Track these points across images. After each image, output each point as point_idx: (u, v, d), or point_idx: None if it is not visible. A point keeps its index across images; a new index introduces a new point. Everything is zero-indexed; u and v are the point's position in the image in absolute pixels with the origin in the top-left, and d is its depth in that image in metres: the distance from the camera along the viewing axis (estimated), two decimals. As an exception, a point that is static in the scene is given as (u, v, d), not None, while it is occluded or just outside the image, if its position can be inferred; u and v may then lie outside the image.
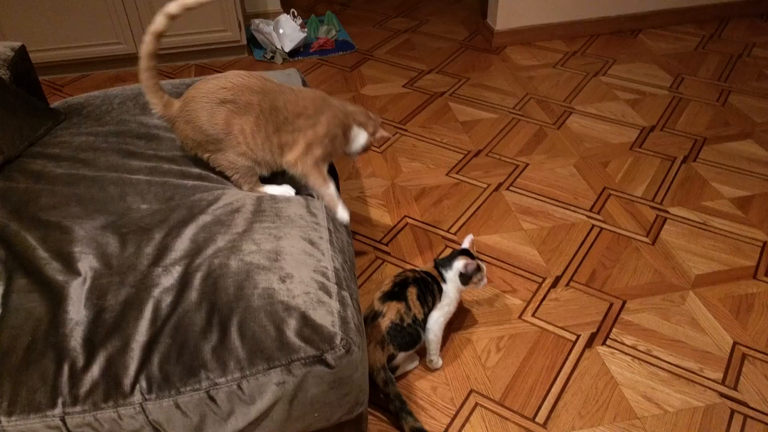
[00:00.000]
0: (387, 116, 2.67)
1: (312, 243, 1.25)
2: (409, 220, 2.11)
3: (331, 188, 1.43)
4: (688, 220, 2.09)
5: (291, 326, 1.07)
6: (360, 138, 1.51)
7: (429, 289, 1.53)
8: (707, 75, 2.97)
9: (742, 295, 1.80)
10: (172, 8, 1.26)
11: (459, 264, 1.55)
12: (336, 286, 1.17)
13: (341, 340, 1.06)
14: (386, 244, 2.01)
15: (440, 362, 1.61)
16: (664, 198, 2.19)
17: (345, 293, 1.18)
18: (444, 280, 1.57)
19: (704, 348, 1.65)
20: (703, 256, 1.94)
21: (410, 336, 1.49)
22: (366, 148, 1.54)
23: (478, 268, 1.57)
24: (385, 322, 1.46)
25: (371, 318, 1.48)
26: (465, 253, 1.59)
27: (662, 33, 3.39)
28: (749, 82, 2.91)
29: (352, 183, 2.28)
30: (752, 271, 1.88)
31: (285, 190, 1.43)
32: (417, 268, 1.60)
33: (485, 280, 1.60)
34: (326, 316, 1.09)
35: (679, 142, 2.49)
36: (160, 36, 1.29)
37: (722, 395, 1.54)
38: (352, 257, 1.38)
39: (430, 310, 1.54)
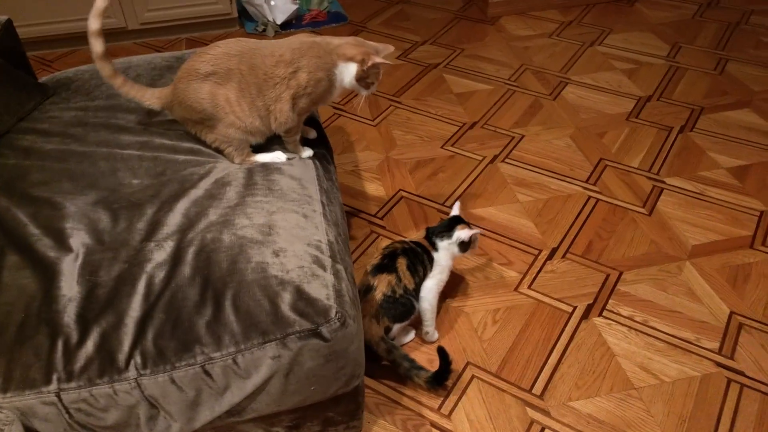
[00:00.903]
0: (381, 89, 2.64)
1: (305, 216, 1.24)
2: (404, 194, 2.09)
3: (298, 136, 1.44)
4: (685, 190, 2.08)
5: (285, 300, 1.06)
6: (349, 70, 1.37)
7: (419, 259, 1.53)
8: (704, 43, 2.93)
9: (739, 265, 1.80)
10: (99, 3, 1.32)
11: (463, 234, 1.54)
12: (330, 260, 1.16)
13: (336, 313, 1.06)
14: (381, 218, 1.99)
15: (436, 335, 1.61)
16: (660, 168, 2.17)
17: (339, 266, 1.17)
18: (436, 249, 1.56)
19: (701, 318, 1.66)
20: (700, 227, 1.94)
21: (403, 306, 1.49)
22: (363, 78, 1.39)
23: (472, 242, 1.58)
24: (377, 295, 1.46)
25: (364, 292, 1.48)
26: (460, 221, 1.59)
27: (659, 1, 3.33)
28: (747, 50, 2.87)
29: (346, 157, 2.26)
30: (749, 241, 1.88)
31: (275, 156, 1.41)
32: (406, 239, 1.60)
33: (476, 247, 1.62)
34: (321, 290, 1.09)
35: (676, 111, 2.47)
36: (99, 34, 1.35)
37: (719, 365, 1.55)
38: (346, 230, 1.38)
39: (422, 280, 1.54)
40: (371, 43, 1.41)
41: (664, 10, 3.25)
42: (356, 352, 1.13)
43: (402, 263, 1.50)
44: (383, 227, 1.96)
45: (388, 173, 2.18)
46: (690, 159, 2.22)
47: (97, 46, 1.35)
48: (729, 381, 1.51)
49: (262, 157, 1.40)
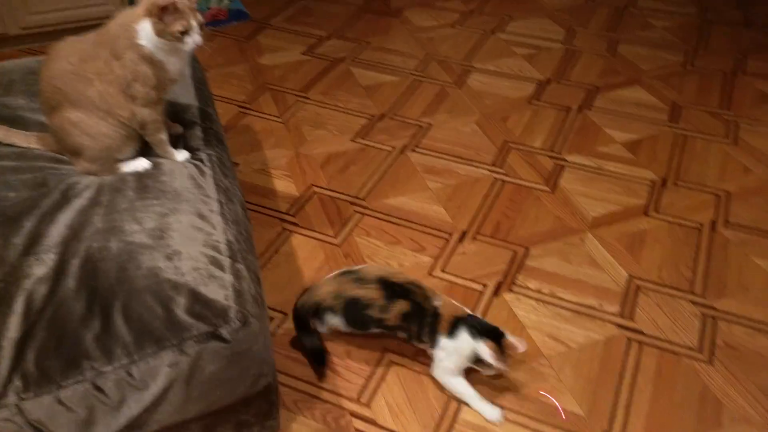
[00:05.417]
0: (287, 85, 2.60)
1: (202, 217, 1.20)
2: (316, 189, 2.07)
3: (164, 135, 1.35)
4: (584, 165, 2.17)
5: (180, 304, 1.02)
6: (147, 31, 1.20)
7: (419, 318, 1.41)
8: (597, 27, 3.08)
9: (635, 232, 1.90)
10: None
11: (485, 351, 1.34)
12: (229, 259, 1.13)
13: (236, 313, 1.03)
14: (293, 215, 1.97)
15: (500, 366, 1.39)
16: (562, 147, 2.26)
17: (240, 266, 1.14)
18: (454, 335, 1.38)
19: (602, 284, 1.74)
20: (599, 199, 2.03)
21: (363, 322, 1.46)
22: (166, 31, 1.20)
23: (489, 364, 1.36)
24: (359, 292, 1.43)
25: (358, 279, 1.45)
26: (500, 337, 1.38)
27: (554, -12, 3.47)
28: (635, 31, 3.04)
29: (254, 156, 2.21)
30: (643, 209, 1.99)
31: (137, 165, 1.33)
32: (437, 301, 1.43)
33: (490, 372, 1.42)
34: (218, 291, 1.06)
35: (574, 92, 2.58)
36: None
37: (620, 326, 1.62)
38: (248, 228, 1.34)
39: (408, 331, 1.45)
40: None
41: (558, -5, 3.38)
42: (262, 351, 1.10)
43: (403, 306, 1.41)
44: (296, 224, 1.93)
45: (298, 169, 2.15)
46: (588, 136, 2.32)
47: None
48: (629, 341, 1.59)
49: (126, 167, 1.33)
